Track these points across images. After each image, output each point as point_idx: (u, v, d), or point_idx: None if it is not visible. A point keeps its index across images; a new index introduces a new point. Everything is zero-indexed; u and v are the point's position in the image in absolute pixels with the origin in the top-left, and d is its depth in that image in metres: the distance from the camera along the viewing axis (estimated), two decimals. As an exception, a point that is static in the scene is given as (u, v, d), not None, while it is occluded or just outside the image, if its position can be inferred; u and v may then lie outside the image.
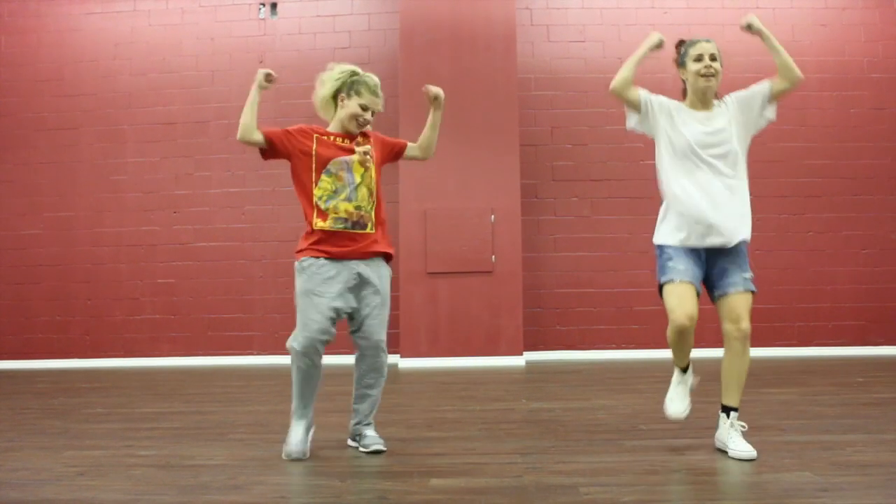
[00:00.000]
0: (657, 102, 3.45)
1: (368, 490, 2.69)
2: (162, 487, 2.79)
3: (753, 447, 3.15)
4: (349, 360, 8.00)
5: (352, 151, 3.49)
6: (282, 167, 8.49)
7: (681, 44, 3.55)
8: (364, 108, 3.54)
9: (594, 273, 8.11)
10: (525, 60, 8.22)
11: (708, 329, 8.02)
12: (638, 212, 8.11)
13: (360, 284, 3.46)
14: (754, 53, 8.24)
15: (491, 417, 4.29)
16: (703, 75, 3.32)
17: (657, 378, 6.06)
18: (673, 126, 3.39)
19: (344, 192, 3.43)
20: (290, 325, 8.66)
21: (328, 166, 3.46)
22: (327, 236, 3.43)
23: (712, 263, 3.44)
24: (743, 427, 3.30)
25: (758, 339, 7.92)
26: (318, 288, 3.40)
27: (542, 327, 8.04)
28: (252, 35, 8.50)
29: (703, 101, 3.40)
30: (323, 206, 3.44)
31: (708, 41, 3.41)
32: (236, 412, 4.73)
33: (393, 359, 7.78)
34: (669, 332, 3.51)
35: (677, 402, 3.60)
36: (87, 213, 8.42)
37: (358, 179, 3.45)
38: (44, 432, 4.10)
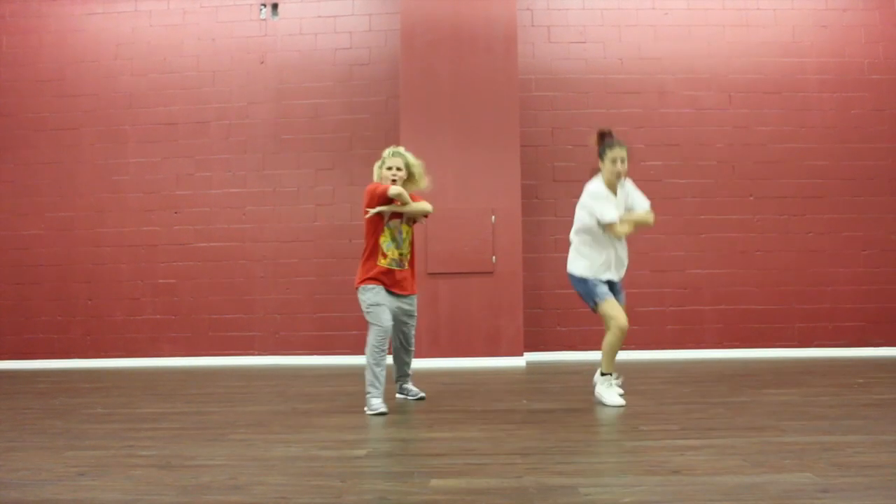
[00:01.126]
0: (609, 198, 4.83)
1: (369, 490, 2.69)
2: (163, 487, 2.79)
3: (754, 447, 3.18)
4: (347, 360, 8.00)
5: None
6: (283, 167, 8.50)
7: (602, 136, 4.82)
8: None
9: (595, 274, 8.09)
10: (526, 61, 8.23)
11: (708, 331, 8.05)
12: (638, 212, 8.10)
13: None
14: (754, 55, 8.27)
15: (491, 418, 4.29)
16: (616, 174, 4.74)
17: (657, 379, 6.07)
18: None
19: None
20: (290, 326, 8.68)
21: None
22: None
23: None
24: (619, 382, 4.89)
25: (758, 340, 7.99)
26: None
27: (542, 328, 8.04)
28: (253, 36, 8.51)
29: (614, 186, 4.82)
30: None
31: (622, 147, 4.73)
32: (237, 412, 4.73)
33: (391, 360, 7.80)
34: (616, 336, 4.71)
35: (615, 396, 4.76)
36: (88, 213, 8.44)
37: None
38: (45, 432, 4.10)
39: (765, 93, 8.23)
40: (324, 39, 8.47)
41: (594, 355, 7.93)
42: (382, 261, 4.85)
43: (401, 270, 4.93)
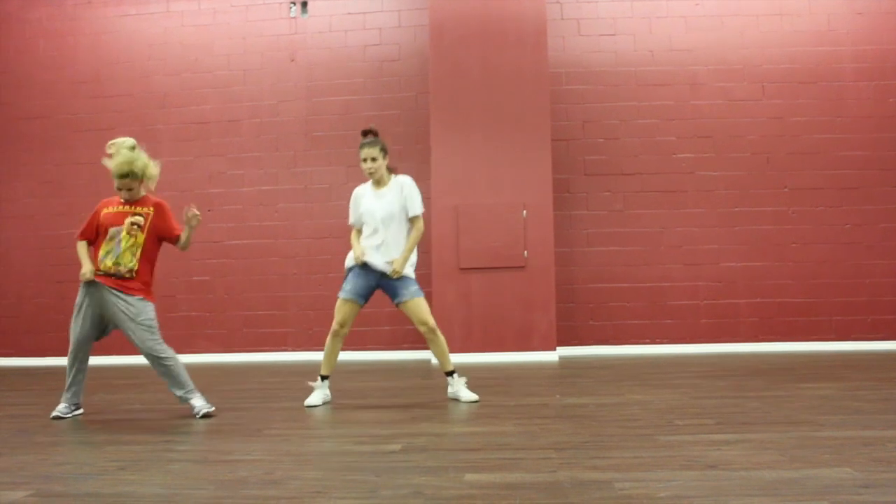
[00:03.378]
0: (354, 202, 4.95)
1: (404, 485, 2.70)
2: (200, 482, 2.83)
3: (792, 441, 3.14)
4: (380, 355, 8.03)
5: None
6: (314, 165, 8.53)
7: (364, 134, 4.88)
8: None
9: (627, 267, 8.06)
10: (556, 55, 8.19)
11: (743, 324, 7.95)
12: (670, 205, 8.04)
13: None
14: (788, 45, 8.15)
15: (525, 413, 4.29)
16: (368, 173, 4.83)
17: (691, 373, 6.02)
18: (358, 205, 4.92)
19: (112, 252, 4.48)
20: (323, 322, 8.73)
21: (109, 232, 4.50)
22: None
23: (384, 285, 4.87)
24: (466, 380, 4.95)
25: (795, 334, 7.88)
26: None
27: (575, 322, 8.01)
28: (283, 34, 8.57)
29: (376, 183, 4.89)
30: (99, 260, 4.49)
31: (372, 146, 4.79)
32: (272, 408, 4.77)
33: (426, 354, 7.82)
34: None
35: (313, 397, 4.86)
36: (124, 212, 8.55)
37: (124, 245, 4.46)
38: (85, 428, 4.18)
39: (799, 83, 8.11)
40: (353, 36, 8.50)
41: (628, 350, 7.92)
42: (100, 267, 4.44)
43: (122, 280, 4.44)
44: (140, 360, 8.29)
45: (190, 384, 4.54)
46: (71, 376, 4.67)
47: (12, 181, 8.86)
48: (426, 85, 8.15)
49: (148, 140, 8.64)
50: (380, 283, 4.85)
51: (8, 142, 8.88)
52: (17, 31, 8.93)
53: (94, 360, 8.51)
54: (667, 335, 7.98)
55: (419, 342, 8.03)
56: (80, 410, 4.74)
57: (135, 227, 4.49)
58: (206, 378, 6.61)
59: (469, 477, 2.80)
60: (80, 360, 4.69)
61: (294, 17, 8.59)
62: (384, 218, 4.79)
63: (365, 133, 4.88)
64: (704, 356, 7.42)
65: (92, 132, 8.69)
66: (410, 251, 4.83)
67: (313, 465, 3.09)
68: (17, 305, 8.80)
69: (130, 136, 8.57)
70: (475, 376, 5.98)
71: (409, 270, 4.86)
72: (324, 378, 4.93)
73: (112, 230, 4.47)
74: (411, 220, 4.90)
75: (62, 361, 8.45)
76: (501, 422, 4.00)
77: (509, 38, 7.71)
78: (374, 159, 4.80)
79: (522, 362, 7.24)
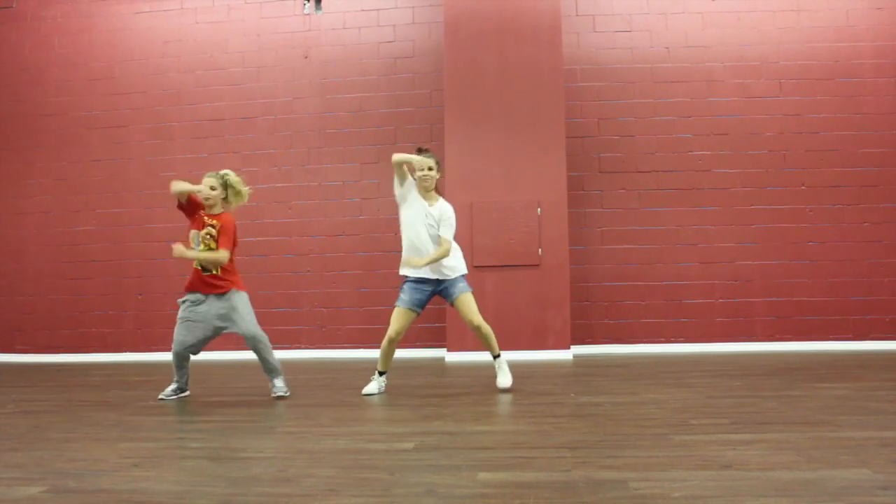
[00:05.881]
0: (407, 185, 5.10)
1: (417, 484, 2.68)
2: (213, 479, 2.83)
3: (809, 442, 3.11)
4: (412, 353, 8.03)
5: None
6: (328, 162, 8.52)
7: (419, 151, 5.11)
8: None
9: (642, 266, 8.01)
10: (571, 51, 8.15)
11: (760, 323, 7.89)
12: (686, 203, 8.00)
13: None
14: (806, 41, 8.07)
15: (539, 411, 4.26)
16: (422, 178, 5.04)
17: (707, 372, 5.97)
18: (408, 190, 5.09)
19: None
20: (336, 319, 8.72)
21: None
22: None
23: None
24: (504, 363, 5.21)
25: (812, 333, 7.81)
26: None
27: (589, 321, 7.97)
28: (297, 31, 8.57)
29: (425, 193, 5.08)
30: None
31: (429, 156, 5.06)
32: (285, 405, 4.77)
33: (439, 352, 7.82)
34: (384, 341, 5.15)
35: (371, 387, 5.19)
36: (138, 209, 8.60)
37: (202, 251, 5.04)
38: (99, 424, 4.19)
39: (817, 79, 8.03)
40: (367, 33, 8.49)
41: (642, 348, 7.87)
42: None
43: (211, 275, 5.12)
44: (155, 356, 8.37)
45: (278, 368, 5.20)
46: (175, 371, 5.33)
47: (28, 178, 8.91)
48: (440, 82, 8.13)
49: (162, 137, 8.71)
50: (435, 291, 5.13)
51: (23, 139, 8.94)
52: (32, 28, 8.98)
53: (108, 357, 8.59)
54: (682, 334, 7.93)
55: (433, 340, 8.02)
56: (186, 393, 5.40)
57: (208, 236, 5.06)
58: (219, 375, 6.63)
59: (482, 476, 2.78)
60: (180, 361, 5.32)
61: (308, 14, 8.59)
62: (425, 229, 5.02)
63: (420, 150, 5.12)
64: (720, 355, 7.36)
65: (107, 129, 8.73)
66: (433, 261, 4.99)
67: (326, 462, 3.08)
68: (32, 302, 8.86)
69: (145, 133, 8.66)
70: (489, 375, 5.96)
71: (462, 265, 5.19)
72: (381, 373, 5.23)
73: (192, 233, 5.07)
74: (439, 238, 5.05)
75: (77, 358, 8.55)
76: (515, 420, 3.98)
77: (524, 34, 7.68)
78: (430, 168, 5.03)
79: (537, 361, 7.21)
